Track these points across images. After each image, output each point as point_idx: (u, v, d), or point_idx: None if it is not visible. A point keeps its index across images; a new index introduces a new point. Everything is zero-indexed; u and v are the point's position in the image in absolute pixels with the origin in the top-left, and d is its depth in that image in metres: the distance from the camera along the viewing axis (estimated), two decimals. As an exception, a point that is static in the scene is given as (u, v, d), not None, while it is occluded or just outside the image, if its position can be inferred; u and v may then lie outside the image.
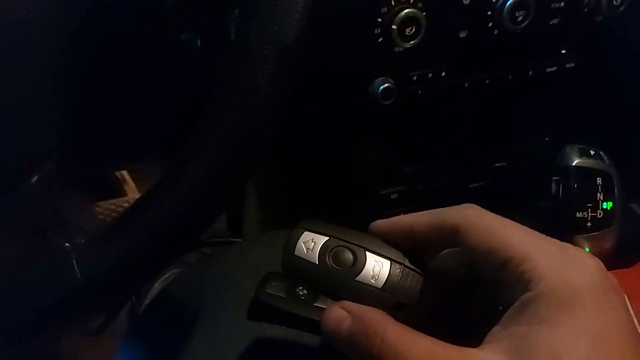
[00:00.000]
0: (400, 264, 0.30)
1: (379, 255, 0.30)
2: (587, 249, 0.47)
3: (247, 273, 0.45)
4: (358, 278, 0.29)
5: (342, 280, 0.30)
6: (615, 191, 0.46)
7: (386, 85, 0.49)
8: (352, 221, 0.63)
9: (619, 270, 0.45)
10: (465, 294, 0.31)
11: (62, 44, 0.32)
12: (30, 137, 0.29)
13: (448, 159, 0.60)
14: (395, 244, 0.30)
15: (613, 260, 0.46)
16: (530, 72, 0.54)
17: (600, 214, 0.45)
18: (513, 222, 0.28)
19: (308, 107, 0.54)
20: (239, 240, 0.78)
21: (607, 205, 0.45)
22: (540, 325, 0.24)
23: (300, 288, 0.38)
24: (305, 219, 0.32)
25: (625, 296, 0.27)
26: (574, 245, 0.46)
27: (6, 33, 0.27)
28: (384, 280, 0.29)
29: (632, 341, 0.24)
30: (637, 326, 0.35)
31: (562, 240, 0.47)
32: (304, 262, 0.30)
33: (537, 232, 0.27)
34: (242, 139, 0.29)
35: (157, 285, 0.78)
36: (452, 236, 0.28)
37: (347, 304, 0.28)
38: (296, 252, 0.31)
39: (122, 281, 0.30)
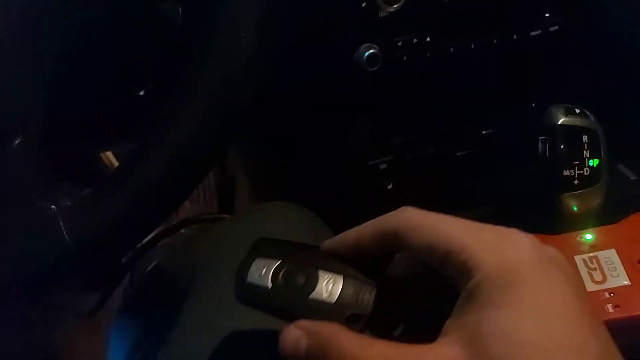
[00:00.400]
0: (352, 277, 0.30)
1: (332, 271, 0.30)
2: (575, 208, 0.47)
3: (237, 242, 0.45)
4: (311, 296, 0.30)
5: (295, 300, 0.30)
6: (602, 148, 0.46)
7: (371, 51, 0.49)
8: (343, 195, 0.63)
9: (607, 225, 0.45)
10: (426, 293, 0.31)
11: (41, 11, 0.32)
12: (11, 99, 0.29)
13: (436, 128, 0.60)
14: (347, 259, 0.31)
15: (601, 218, 0.47)
16: (515, 36, 0.54)
17: (587, 172, 0.45)
18: (448, 217, 0.28)
19: (294, 77, 0.53)
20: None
21: (594, 162, 0.46)
22: (486, 310, 0.24)
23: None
24: (260, 241, 0.32)
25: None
26: (563, 203, 0.47)
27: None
28: (337, 295, 0.29)
29: (577, 311, 0.24)
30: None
31: (549, 199, 0.48)
32: (257, 288, 0.30)
33: (472, 222, 0.27)
34: (223, 95, 0.29)
35: (148, 265, 0.77)
36: (394, 241, 0.28)
37: (302, 322, 0.28)
38: (249, 279, 0.31)
39: (111, 242, 0.29)
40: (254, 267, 0.31)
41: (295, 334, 0.27)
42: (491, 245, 0.26)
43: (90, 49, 0.40)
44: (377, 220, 0.30)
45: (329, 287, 0.29)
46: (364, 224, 0.30)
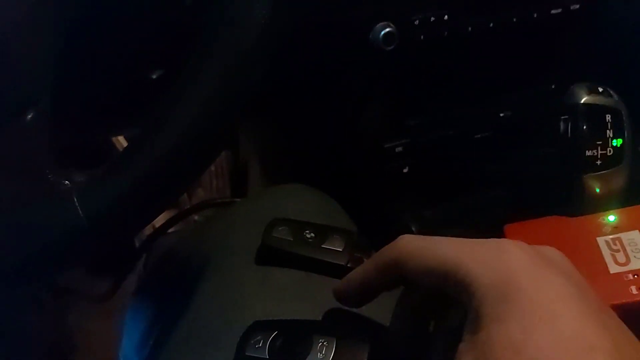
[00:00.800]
0: (345, 339, 0.32)
1: (326, 335, 0.32)
2: (598, 189, 0.46)
3: (251, 223, 0.45)
4: None
5: None
6: (625, 128, 0.45)
7: (388, 30, 0.48)
8: (358, 177, 0.62)
9: (630, 207, 0.44)
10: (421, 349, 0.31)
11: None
12: (24, 74, 0.28)
13: (452, 109, 0.59)
14: (359, 302, 0.32)
15: (623, 198, 0.46)
16: (535, 15, 0.53)
17: (610, 152, 0.44)
18: (443, 238, 0.28)
19: (307, 57, 0.53)
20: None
21: (617, 142, 0.44)
22: (492, 325, 0.24)
23: (308, 231, 0.39)
24: (257, 322, 0.35)
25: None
26: (585, 185, 0.46)
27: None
28: (330, 358, 0.31)
29: (581, 308, 0.24)
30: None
31: (570, 180, 0.47)
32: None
33: (466, 239, 0.27)
34: (238, 68, 0.29)
35: (163, 245, 0.77)
36: (397, 271, 0.29)
37: None
38: (247, 352, 0.33)
39: (124, 218, 0.29)
40: (251, 341, 0.33)
41: None
42: (485, 259, 0.25)
43: (101, 28, 0.39)
44: (378, 254, 0.30)
45: (323, 350, 0.31)
46: (367, 261, 0.31)
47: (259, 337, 0.33)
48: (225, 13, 0.29)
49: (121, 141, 0.81)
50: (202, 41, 0.30)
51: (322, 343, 0.31)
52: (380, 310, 0.33)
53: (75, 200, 0.28)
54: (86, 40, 0.37)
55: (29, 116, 0.28)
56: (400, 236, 0.29)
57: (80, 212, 0.28)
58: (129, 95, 0.47)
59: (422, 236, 0.29)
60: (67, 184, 0.28)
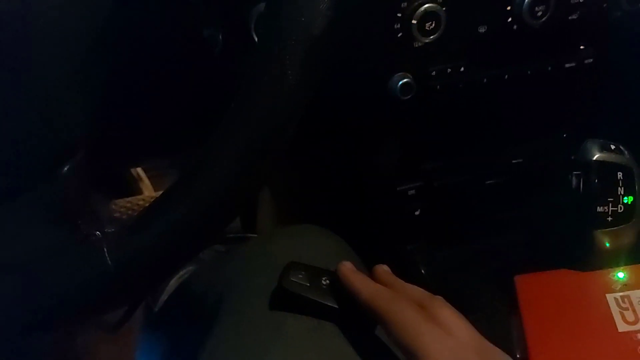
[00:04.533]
0: None
1: None
2: (608, 244, 0.46)
3: (265, 266, 0.46)
4: None
5: None
6: (636, 186, 0.45)
7: (405, 80, 0.49)
8: (370, 219, 0.63)
9: (637, 265, 0.45)
10: None
11: (89, 37, 0.33)
12: (63, 126, 0.30)
13: (466, 155, 0.60)
14: None
15: (633, 255, 0.46)
16: (549, 68, 0.54)
17: (621, 209, 0.45)
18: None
19: (326, 103, 0.54)
20: (254, 235, 0.78)
21: (628, 199, 0.45)
22: None
23: (324, 278, 0.40)
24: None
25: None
26: (595, 240, 0.47)
27: (41, 23, 0.28)
28: None
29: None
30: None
31: (581, 235, 0.48)
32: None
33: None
34: (270, 129, 0.30)
35: (173, 283, 0.78)
36: None
37: None
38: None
39: (151, 269, 0.30)
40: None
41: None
42: None
43: (134, 73, 0.41)
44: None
45: None
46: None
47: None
48: (259, 73, 0.30)
49: (138, 171, 0.83)
50: (236, 100, 0.31)
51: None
52: None
53: (105, 250, 0.29)
54: (119, 87, 0.39)
55: (66, 168, 0.29)
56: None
57: (109, 261, 0.29)
58: (156, 130, 0.48)
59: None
60: (98, 234, 0.29)
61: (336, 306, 0.40)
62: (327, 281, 0.41)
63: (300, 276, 0.41)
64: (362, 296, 0.38)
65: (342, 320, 0.40)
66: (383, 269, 0.43)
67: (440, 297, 0.39)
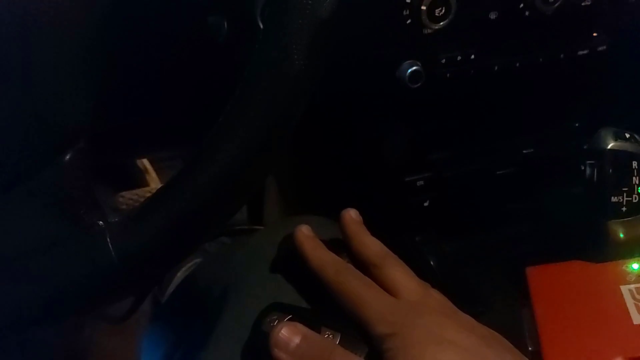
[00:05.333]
0: (349, 335, 0.35)
1: (333, 328, 0.36)
2: (622, 235, 0.45)
3: (271, 257, 0.45)
4: None
5: None
6: (652, 175, 0.44)
7: (414, 68, 0.48)
8: (377, 210, 0.62)
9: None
10: None
11: (94, 24, 0.32)
12: (64, 114, 0.29)
13: (476, 145, 0.59)
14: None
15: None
16: (561, 55, 0.53)
17: (635, 199, 0.44)
18: None
19: (334, 91, 0.53)
20: (260, 227, 0.78)
21: (643, 189, 0.44)
22: None
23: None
24: (275, 303, 0.39)
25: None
26: (609, 230, 0.46)
27: (45, 11, 0.27)
28: None
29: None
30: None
31: (594, 225, 0.47)
32: (267, 336, 0.36)
33: None
34: (275, 115, 0.29)
35: (180, 275, 0.78)
36: None
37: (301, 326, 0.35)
38: (262, 328, 0.37)
39: (154, 260, 0.29)
40: (267, 318, 0.37)
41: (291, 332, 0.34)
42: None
43: (138, 61, 0.40)
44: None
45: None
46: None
47: (274, 317, 0.37)
48: (264, 58, 0.30)
49: (144, 162, 0.82)
50: (241, 85, 0.30)
51: (328, 335, 0.35)
52: None
53: (108, 240, 0.29)
54: (122, 75, 0.38)
55: (67, 156, 0.29)
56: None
57: (112, 252, 0.29)
58: (160, 123, 0.48)
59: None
60: (101, 224, 0.29)
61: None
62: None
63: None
64: (311, 264, 0.39)
65: None
66: (351, 217, 0.43)
67: (394, 255, 0.40)
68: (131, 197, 0.91)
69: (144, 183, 0.93)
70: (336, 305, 0.37)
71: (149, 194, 0.93)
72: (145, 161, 0.85)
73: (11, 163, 0.28)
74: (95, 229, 0.29)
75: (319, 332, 0.35)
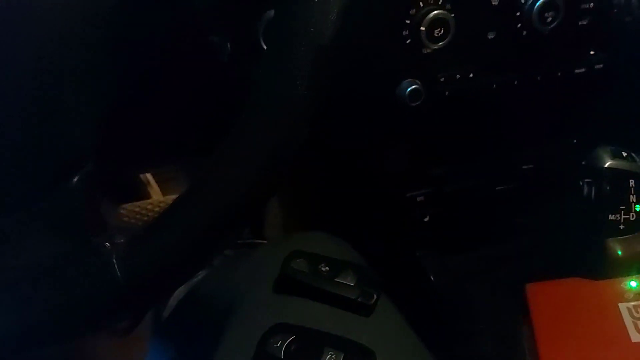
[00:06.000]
0: (353, 355, 0.37)
1: (336, 349, 0.37)
2: (620, 252, 0.46)
3: (274, 275, 0.46)
4: None
5: None
6: (649, 193, 0.45)
7: (414, 86, 0.49)
8: (378, 225, 0.63)
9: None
10: None
11: (96, 44, 0.33)
12: (71, 137, 0.30)
13: (475, 161, 0.59)
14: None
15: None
16: (559, 73, 0.54)
17: (633, 217, 0.44)
18: None
19: (335, 109, 0.54)
20: (262, 241, 0.78)
21: (640, 207, 0.45)
22: None
23: (323, 265, 0.41)
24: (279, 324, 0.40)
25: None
26: (607, 248, 0.46)
27: (47, 32, 0.28)
28: None
29: None
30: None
31: (593, 243, 0.47)
32: (272, 357, 0.38)
33: None
34: (280, 139, 0.30)
35: (182, 288, 0.78)
36: None
37: None
38: (267, 348, 0.38)
39: (160, 280, 0.30)
40: (272, 339, 0.38)
41: None
42: None
43: (143, 80, 0.41)
44: None
45: None
46: None
47: (278, 338, 0.38)
48: (267, 84, 0.30)
49: (147, 176, 0.83)
50: (245, 110, 0.31)
51: (331, 355, 0.36)
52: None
53: (114, 261, 0.29)
54: (126, 95, 0.39)
55: (75, 179, 0.29)
56: None
57: (118, 272, 0.29)
58: (163, 141, 0.48)
59: None
60: (108, 245, 0.29)
61: (333, 291, 0.41)
62: (327, 267, 0.43)
63: (301, 263, 0.43)
64: None
65: (340, 305, 0.41)
66: None
67: None
68: (133, 210, 0.91)
69: (146, 195, 0.93)
70: (339, 326, 0.38)
71: (150, 206, 0.94)
72: (149, 176, 0.86)
73: (20, 186, 0.28)
74: (102, 250, 0.29)
75: (322, 352, 0.36)
